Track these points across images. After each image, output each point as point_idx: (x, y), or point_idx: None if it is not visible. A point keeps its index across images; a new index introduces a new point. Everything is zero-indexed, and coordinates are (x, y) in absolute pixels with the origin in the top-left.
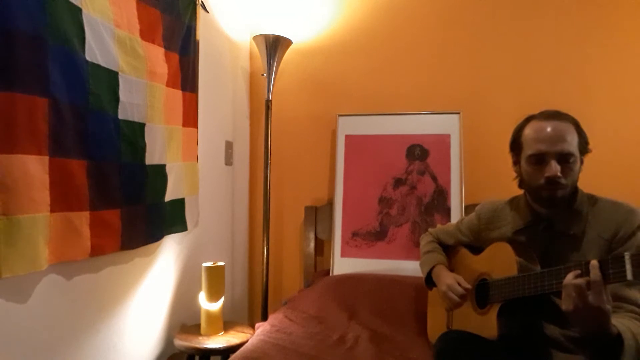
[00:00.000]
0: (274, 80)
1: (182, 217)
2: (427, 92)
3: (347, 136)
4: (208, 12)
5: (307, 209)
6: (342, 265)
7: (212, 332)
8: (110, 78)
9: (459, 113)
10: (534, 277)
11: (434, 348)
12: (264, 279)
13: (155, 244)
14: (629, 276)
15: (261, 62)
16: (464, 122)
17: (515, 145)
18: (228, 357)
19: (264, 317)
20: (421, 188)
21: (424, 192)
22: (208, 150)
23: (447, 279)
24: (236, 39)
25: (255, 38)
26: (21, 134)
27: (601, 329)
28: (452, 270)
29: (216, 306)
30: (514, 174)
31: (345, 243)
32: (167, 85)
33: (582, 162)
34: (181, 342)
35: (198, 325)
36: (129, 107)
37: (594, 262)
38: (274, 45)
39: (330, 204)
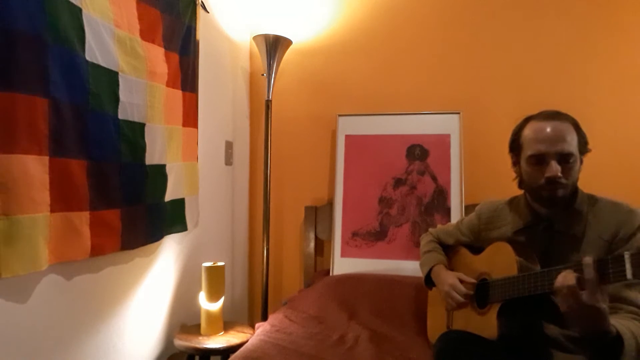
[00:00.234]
0: (274, 80)
1: (182, 217)
2: (427, 92)
3: (347, 136)
4: (208, 12)
5: (307, 209)
6: (342, 265)
7: (212, 332)
8: (110, 78)
9: (459, 113)
10: (533, 277)
11: (434, 348)
12: (264, 279)
13: (155, 244)
14: (629, 275)
15: (261, 62)
16: (464, 122)
17: (515, 145)
18: (228, 357)
19: (264, 317)
20: (421, 188)
21: (424, 192)
22: (208, 150)
23: (449, 279)
24: (236, 39)
25: (255, 38)
26: (21, 134)
27: (598, 328)
28: (451, 270)
29: (216, 306)
30: (514, 174)
31: (345, 243)
32: (167, 85)
33: (581, 162)
34: (181, 342)
35: (198, 325)
36: (129, 107)
37: (587, 261)
38: (274, 45)
39: (330, 204)
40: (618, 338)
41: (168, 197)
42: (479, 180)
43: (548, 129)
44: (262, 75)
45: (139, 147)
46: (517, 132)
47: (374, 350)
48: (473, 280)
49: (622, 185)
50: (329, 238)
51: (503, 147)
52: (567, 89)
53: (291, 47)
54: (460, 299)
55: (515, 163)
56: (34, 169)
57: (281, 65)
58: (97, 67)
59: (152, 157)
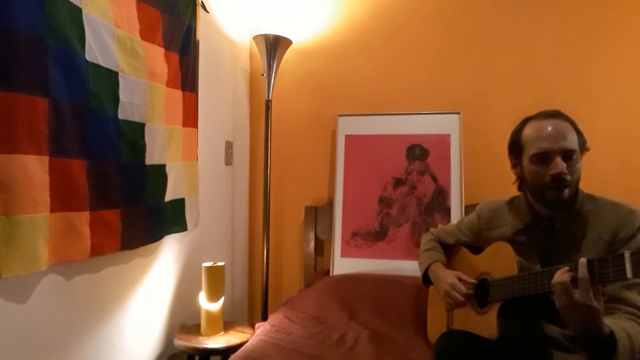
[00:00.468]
0: (274, 80)
1: (182, 217)
2: (427, 92)
3: (347, 136)
4: (208, 12)
5: (307, 209)
6: (342, 265)
7: (212, 332)
8: (110, 78)
9: (459, 113)
10: (534, 277)
11: (434, 348)
12: (264, 279)
13: (155, 244)
14: (629, 274)
15: (261, 62)
16: (464, 122)
17: (515, 146)
18: (228, 357)
19: (264, 317)
20: (421, 188)
21: (424, 192)
22: (208, 150)
23: (449, 278)
24: (236, 39)
25: (255, 38)
26: (21, 134)
27: (591, 327)
28: (451, 269)
29: (216, 306)
30: (514, 176)
31: (345, 243)
32: (167, 85)
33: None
34: (181, 342)
35: (198, 325)
36: (129, 107)
37: (582, 260)
38: (274, 45)
39: (330, 204)
40: (612, 338)
41: (168, 197)
42: (479, 180)
43: (549, 128)
44: (262, 75)
45: (139, 147)
46: (516, 133)
47: (374, 350)
48: (473, 280)
49: (622, 185)
50: (329, 238)
51: (503, 147)
52: (567, 88)
53: (291, 47)
54: (460, 298)
55: (516, 165)
56: (34, 169)
57: (281, 65)
58: (97, 67)
59: (152, 157)
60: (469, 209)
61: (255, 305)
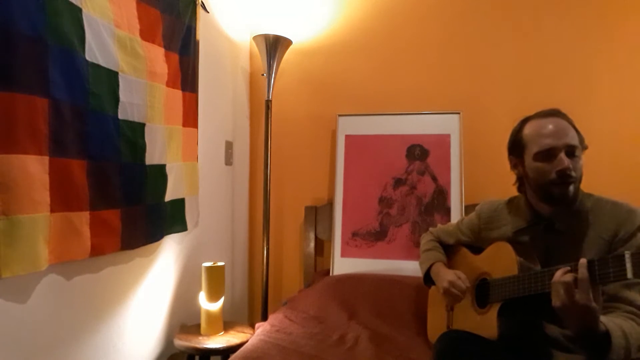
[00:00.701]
0: (274, 80)
1: (182, 217)
2: (427, 92)
3: (347, 136)
4: (208, 12)
5: (307, 209)
6: (342, 265)
7: (212, 332)
8: (110, 78)
9: (459, 113)
10: (534, 277)
11: (434, 348)
12: (264, 279)
13: (155, 244)
14: (629, 275)
15: (261, 62)
16: (464, 122)
17: (516, 147)
18: (228, 357)
19: (264, 317)
20: (421, 188)
21: (424, 192)
22: (208, 150)
23: (448, 276)
24: (236, 39)
25: (255, 38)
26: (21, 134)
27: (588, 326)
28: (452, 269)
29: (216, 306)
30: (514, 176)
31: (345, 243)
32: (167, 85)
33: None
34: (181, 342)
35: (198, 325)
36: (129, 107)
37: (582, 261)
38: (274, 45)
39: (330, 204)
40: (607, 336)
41: (168, 197)
42: (479, 180)
43: (550, 125)
44: (262, 75)
45: (139, 147)
46: (516, 133)
47: (374, 350)
48: (468, 284)
49: (622, 185)
50: (329, 238)
51: (503, 147)
52: (567, 88)
53: (291, 47)
54: (460, 295)
55: (516, 165)
56: (34, 169)
57: (281, 65)
58: (97, 67)
59: (152, 157)
60: (469, 209)
61: (255, 305)
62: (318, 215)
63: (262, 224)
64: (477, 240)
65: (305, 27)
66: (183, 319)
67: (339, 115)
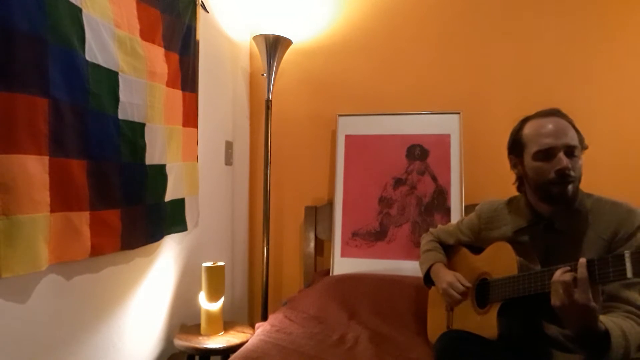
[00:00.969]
0: (274, 80)
1: (182, 217)
2: (427, 92)
3: (347, 136)
4: (208, 12)
5: (307, 209)
6: (342, 265)
7: (212, 332)
8: (110, 78)
9: (459, 113)
10: (534, 277)
11: (434, 348)
12: (264, 279)
13: (155, 244)
14: (629, 274)
15: (261, 62)
16: (464, 122)
17: (515, 146)
18: (228, 357)
19: (264, 317)
20: (421, 188)
21: (424, 192)
22: (208, 150)
23: (447, 277)
24: (236, 39)
25: (255, 38)
26: (21, 134)
27: (587, 326)
28: (452, 269)
29: (216, 306)
30: (514, 175)
31: (345, 243)
32: (167, 85)
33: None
34: (181, 342)
35: (198, 325)
36: (129, 107)
37: (582, 261)
38: (274, 45)
39: (330, 204)
40: (606, 335)
41: (168, 197)
42: (479, 180)
43: (550, 125)
44: (262, 75)
45: (139, 147)
46: (516, 133)
47: (374, 350)
48: (469, 285)
49: (622, 185)
50: (329, 238)
51: (503, 147)
52: (567, 88)
53: (291, 47)
54: (458, 296)
55: (516, 165)
56: (34, 169)
57: (281, 65)
58: (97, 67)
59: (152, 157)
60: (469, 209)
61: (255, 305)
62: (318, 215)
63: (262, 224)
64: (477, 241)
65: (305, 27)
66: (183, 319)
67: (339, 115)
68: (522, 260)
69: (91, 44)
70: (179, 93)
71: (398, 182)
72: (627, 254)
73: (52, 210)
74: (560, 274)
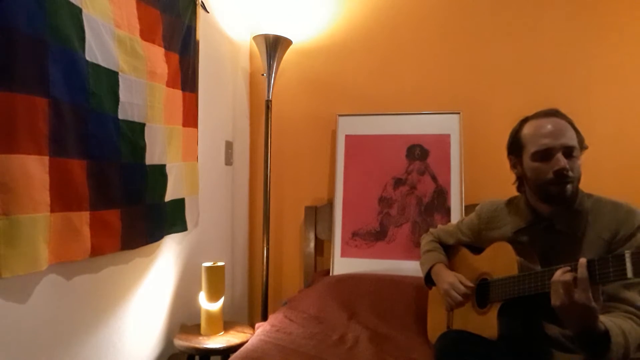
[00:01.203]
0: (274, 80)
1: (182, 217)
2: (427, 92)
3: (347, 136)
4: (208, 12)
5: (307, 209)
6: (342, 265)
7: (212, 332)
8: (110, 78)
9: (459, 113)
10: (534, 277)
11: (434, 348)
12: (264, 279)
13: (155, 244)
14: (629, 274)
15: (261, 62)
16: (464, 122)
17: (515, 146)
18: (228, 357)
19: (264, 317)
20: (421, 188)
21: (424, 192)
22: (208, 150)
23: (449, 278)
24: (236, 39)
25: (255, 38)
26: (21, 134)
27: (587, 326)
28: (452, 269)
29: (216, 306)
30: (514, 176)
31: (345, 243)
32: (167, 85)
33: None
34: (181, 342)
35: (198, 325)
36: (129, 107)
37: (582, 261)
38: (274, 45)
39: (330, 204)
40: (606, 335)
41: (168, 197)
42: (479, 180)
43: (549, 125)
44: (262, 75)
45: (139, 147)
46: (515, 133)
47: (374, 350)
48: (471, 284)
49: (622, 185)
50: (329, 238)
51: (503, 147)
52: (567, 88)
53: (291, 47)
54: (459, 298)
55: (515, 165)
56: (34, 169)
57: (281, 65)
58: (97, 67)
59: (152, 157)
60: (469, 209)
61: (255, 305)
62: (318, 215)
63: (262, 224)
64: (477, 241)
65: (305, 27)
66: (183, 319)
67: (339, 115)
68: (522, 261)
69: (91, 44)
70: (179, 93)
71: (398, 182)
72: (627, 254)
73: (52, 210)
74: (561, 274)
